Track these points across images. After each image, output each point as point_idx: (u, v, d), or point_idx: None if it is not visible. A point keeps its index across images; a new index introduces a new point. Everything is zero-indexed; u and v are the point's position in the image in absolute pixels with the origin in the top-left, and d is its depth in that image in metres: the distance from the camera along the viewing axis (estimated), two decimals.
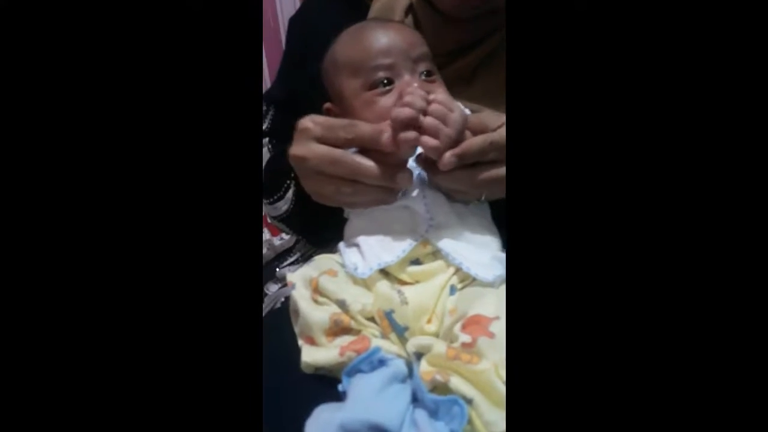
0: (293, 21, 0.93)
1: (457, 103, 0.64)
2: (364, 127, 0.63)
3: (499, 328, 0.57)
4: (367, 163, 0.62)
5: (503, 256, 0.69)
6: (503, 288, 0.64)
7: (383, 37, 0.70)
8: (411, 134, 0.61)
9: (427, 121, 0.61)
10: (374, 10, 0.83)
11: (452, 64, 0.78)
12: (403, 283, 0.67)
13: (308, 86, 0.77)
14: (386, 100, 0.69)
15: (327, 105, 0.74)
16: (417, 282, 0.66)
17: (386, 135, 0.61)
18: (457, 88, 0.74)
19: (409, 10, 0.81)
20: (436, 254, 0.67)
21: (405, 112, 0.61)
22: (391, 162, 0.63)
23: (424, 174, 0.69)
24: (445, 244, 0.67)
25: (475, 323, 0.58)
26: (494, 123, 0.63)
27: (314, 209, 0.70)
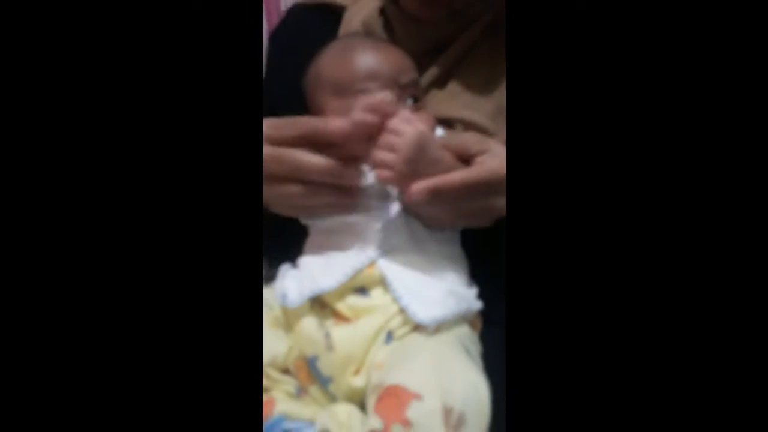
0: (273, 36, 0.90)
1: (425, 127, 0.57)
2: (310, 119, 0.58)
3: (420, 411, 0.46)
4: (313, 158, 0.55)
5: (464, 291, 0.58)
6: (448, 341, 0.53)
7: (372, 60, 0.64)
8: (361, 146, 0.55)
9: (383, 138, 0.55)
10: (347, 17, 0.77)
11: (426, 68, 0.70)
12: (339, 317, 0.56)
13: (287, 99, 0.70)
14: None
15: None
16: (357, 318, 0.55)
17: (336, 123, 0.55)
18: (431, 91, 0.69)
19: (382, 11, 0.75)
20: (384, 283, 0.56)
21: (365, 117, 0.54)
22: (343, 157, 0.56)
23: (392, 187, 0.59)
24: (393, 271, 0.56)
25: (392, 397, 0.48)
26: (475, 147, 0.57)
27: (270, 224, 0.61)
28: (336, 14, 0.78)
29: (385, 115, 0.55)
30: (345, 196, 0.57)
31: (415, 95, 0.64)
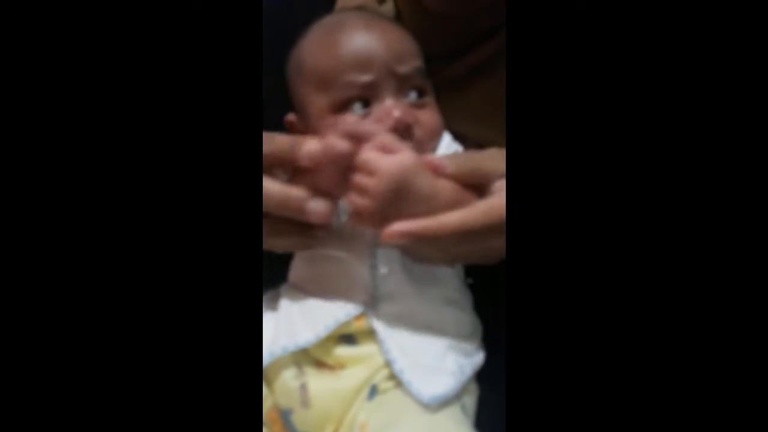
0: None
1: (410, 156, 0.46)
2: (282, 138, 0.48)
3: None
4: (269, 186, 0.46)
5: (465, 345, 0.52)
6: (450, 417, 0.47)
7: (363, 43, 0.52)
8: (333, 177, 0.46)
9: (355, 176, 0.46)
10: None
11: (443, 71, 0.59)
12: (322, 365, 0.50)
13: (276, 94, 0.58)
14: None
15: (289, 117, 0.57)
16: (341, 367, 0.50)
17: (308, 147, 0.46)
18: (448, 98, 0.57)
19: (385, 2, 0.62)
20: (373, 333, 0.51)
21: (335, 145, 0.45)
22: (316, 187, 0.47)
23: None
24: (384, 324, 0.50)
25: None
26: (496, 171, 0.46)
27: None
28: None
29: (361, 141, 0.46)
30: (306, 235, 0.49)
31: (419, 87, 0.53)
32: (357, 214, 0.46)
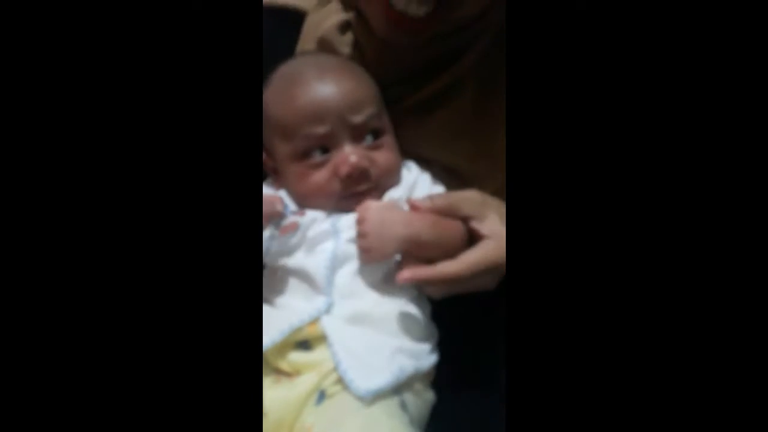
0: None
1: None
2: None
3: None
4: None
5: (416, 347, 0.54)
6: (383, 405, 0.50)
7: (318, 96, 0.57)
8: None
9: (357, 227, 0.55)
10: (308, 24, 0.68)
11: (403, 98, 0.63)
12: (280, 373, 0.54)
13: None
14: (319, 176, 0.57)
15: (264, 157, 0.61)
16: (297, 374, 0.53)
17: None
18: (411, 125, 0.62)
19: (347, 27, 0.65)
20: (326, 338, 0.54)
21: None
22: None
23: (339, 225, 0.57)
24: (334, 327, 0.53)
25: None
26: (467, 210, 0.55)
27: None
28: (298, 20, 0.69)
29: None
30: None
31: (375, 129, 0.58)
32: (365, 252, 0.54)
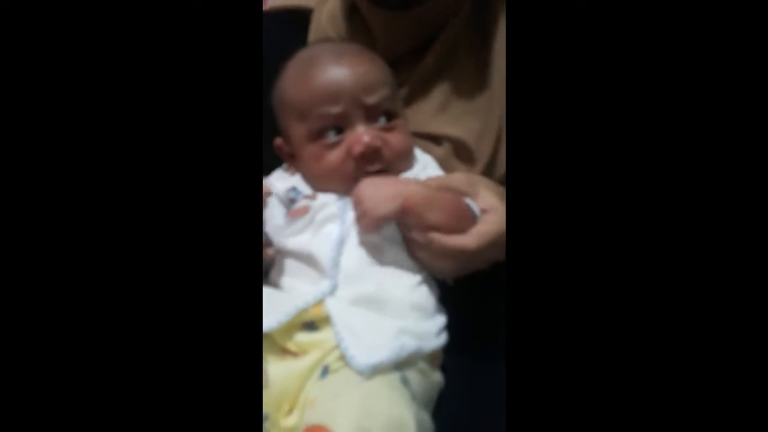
0: None
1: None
2: None
3: None
4: None
5: (420, 328, 0.55)
6: (384, 379, 0.50)
7: (333, 77, 0.59)
8: None
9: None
10: (315, 19, 0.71)
11: (413, 69, 0.65)
12: (286, 352, 0.54)
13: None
14: (333, 156, 0.59)
15: (277, 141, 0.64)
16: (304, 353, 0.54)
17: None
18: (419, 101, 0.65)
19: (352, 12, 0.68)
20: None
21: None
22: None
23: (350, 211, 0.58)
24: (338, 307, 0.54)
25: None
26: (465, 188, 0.57)
27: None
28: (306, 19, 0.72)
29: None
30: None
31: (388, 112, 0.59)
32: (361, 218, 0.56)
